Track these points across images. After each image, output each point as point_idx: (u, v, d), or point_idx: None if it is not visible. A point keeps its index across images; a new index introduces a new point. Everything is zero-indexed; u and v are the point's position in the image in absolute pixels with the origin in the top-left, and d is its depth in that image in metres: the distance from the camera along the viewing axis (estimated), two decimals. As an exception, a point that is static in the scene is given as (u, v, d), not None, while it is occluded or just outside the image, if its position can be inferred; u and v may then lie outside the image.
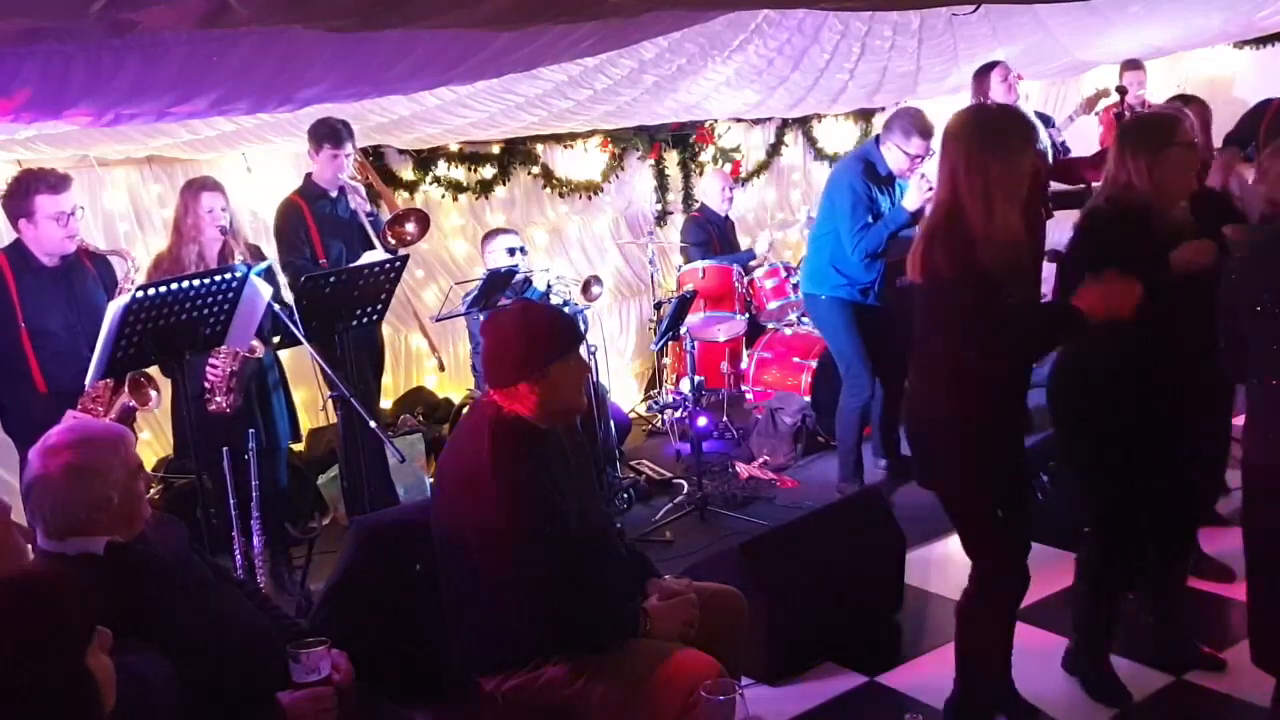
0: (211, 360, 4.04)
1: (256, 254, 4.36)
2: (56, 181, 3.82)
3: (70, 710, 1.64)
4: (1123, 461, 3.13)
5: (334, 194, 4.71)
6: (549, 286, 5.51)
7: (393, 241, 4.73)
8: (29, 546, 2.32)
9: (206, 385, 4.06)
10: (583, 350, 3.05)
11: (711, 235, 6.88)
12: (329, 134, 4.60)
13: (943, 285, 2.74)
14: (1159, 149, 3.02)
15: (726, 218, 7.07)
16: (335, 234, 4.69)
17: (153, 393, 3.82)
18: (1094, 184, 6.17)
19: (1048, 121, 5.89)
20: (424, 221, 4.92)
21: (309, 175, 4.79)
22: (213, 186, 4.28)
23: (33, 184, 3.80)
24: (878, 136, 4.98)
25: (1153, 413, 3.09)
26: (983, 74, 5.52)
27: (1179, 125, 3.09)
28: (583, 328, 5.22)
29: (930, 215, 2.87)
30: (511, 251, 5.41)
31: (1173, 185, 3.04)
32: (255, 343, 4.02)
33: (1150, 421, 3.09)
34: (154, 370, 3.79)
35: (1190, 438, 3.26)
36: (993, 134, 2.77)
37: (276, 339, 4.26)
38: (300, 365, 4.99)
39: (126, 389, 3.73)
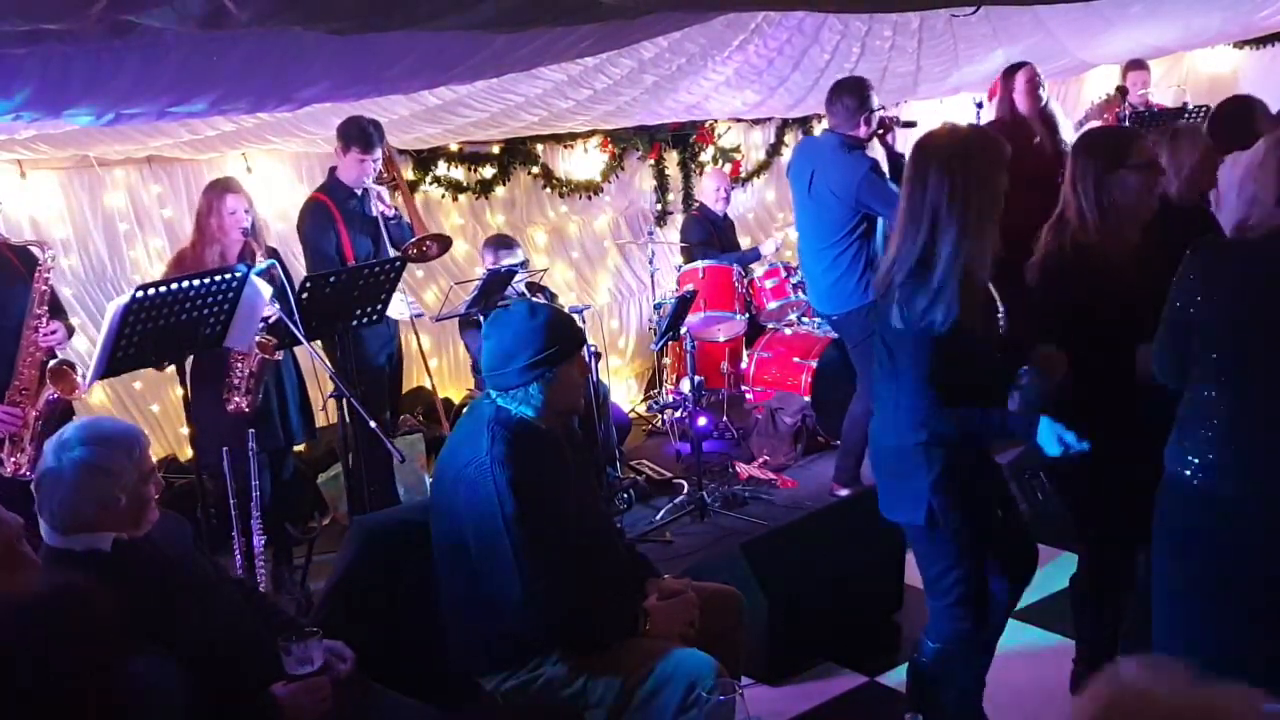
0: (233, 362, 4.07)
1: (272, 254, 4.37)
2: None
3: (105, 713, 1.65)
4: (1117, 487, 3.04)
5: (359, 192, 4.66)
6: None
7: (413, 253, 4.70)
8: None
9: (228, 383, 4.08)
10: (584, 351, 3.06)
11: (713, 234, 6.87)
12: (359, 137, 4.52)
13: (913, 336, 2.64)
14: (1110, 170, 2.88)
15: (725, 216, 7.04)
16: (364, 231, 4.64)
17: (79, 379, 3.78)
18: None
19: None
20: (447, 244, 4.93)
21: (333, 172, 4.71)
22: (236, 188, 4.30)
23: None
24: (840, 135, 4.81)
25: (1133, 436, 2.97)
26: (1008, 75, 5.48)
27: (1134, 143, 2.95)
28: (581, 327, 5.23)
29: (901, 250, 2.70)
30: (515, 265, 5.37)
31: (1126, 211, 2.88)
32: (275, 341, 4.02)
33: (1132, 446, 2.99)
34: (169, 369, 3.77)
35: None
36: (971, 159, 2.64)
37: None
38: (303, 364, 5.00)
39: (49, 379, 3.71)
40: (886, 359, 2.75)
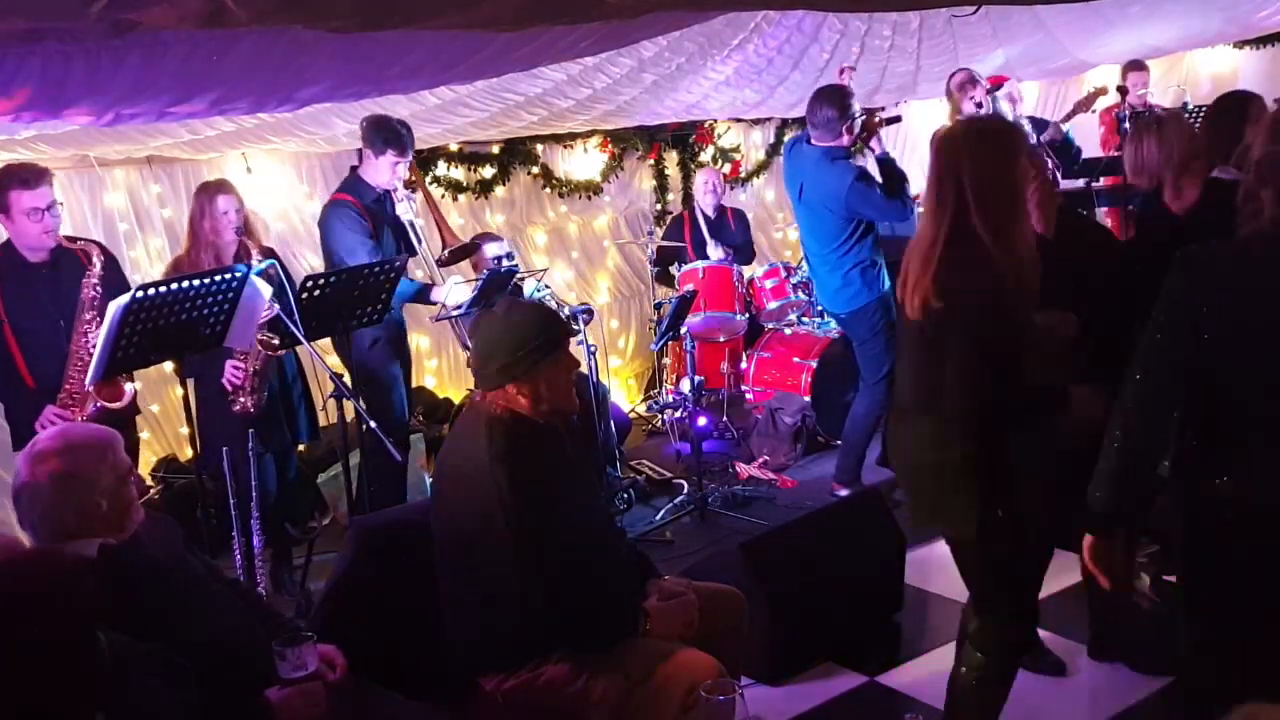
0: (234, 361, 4.05)
1: (270, 255, 4.36)
2: (30, 176, 3.76)
3: (77, 674, 1.66)
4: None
5: (380, 194, 4.60)
6: (536, 293, 5.42)
7: (446, 257, 4.66)
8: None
9: (230, 386, 4.07)
10: (577, 349, 3.05)
11: (689, 237, 6.81)
12: (394, 140, 4.43)
13: (959, 311, 2.59)
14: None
15: (717, 215, 6.96)
16: (391, 232, 4.58)
17: (128, 387, 3.79)
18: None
19: (1041, 125, 5.91)
20: (473, 251, 4.91)
21: (355, 171, 4.64)
22: (228, 189, 4.27)
23: (7, 180, 3.75)
24: (821, 149, 4.79)
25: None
26: (949, 80, 5.53)
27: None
28: (582, 326, 5.21)
29: (929, 238, 2.67)
30: (498, 259, 5.32)
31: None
32: (277, 340, 3.99)
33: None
34: (168, 369, 3.76)
35: None
36: (990, 143, 2.66)
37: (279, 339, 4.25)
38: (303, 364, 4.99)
39: (93, 389, 3.71)
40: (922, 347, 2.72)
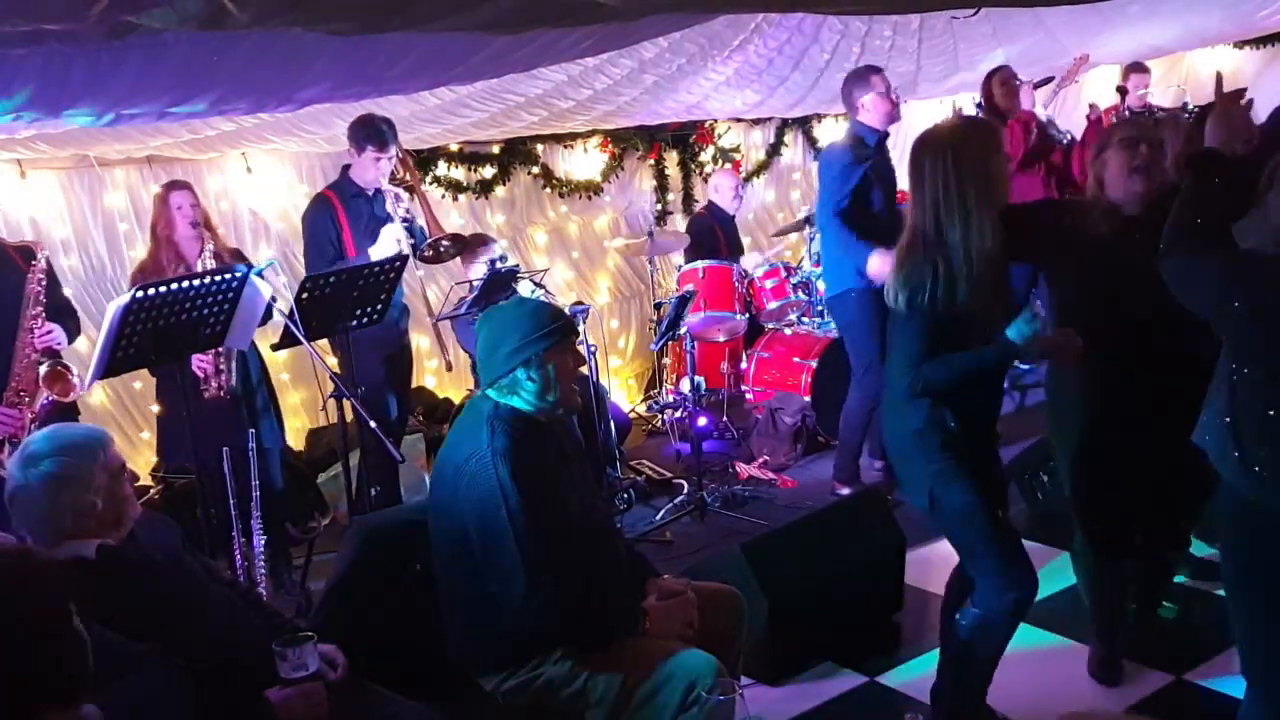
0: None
1: (236, 256, 4.35)
2: None
3: (58, 663, 1.66)
4: (1106, 454, 3.18)
5: (371, 193, 4.60)
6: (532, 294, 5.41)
7: (429, 254, 4.67)
8: None
9: (200, 373, 4.05)
10: (580, 347, 3.07)
11: (719, 234, 6.86)
12: (373, 136, 4.46)
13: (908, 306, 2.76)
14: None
15: (734, 217, 7.04)
16: (370, 234, 4.56)
17: (75, 380, 3.78)
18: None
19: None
20: (463, 243, 4.91)
21: (346, 170, 4.66)
22: (181, 186, 4.31)
23: None
24: (853, 123, 4.86)
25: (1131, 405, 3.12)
26: (988, 79, 5.58)
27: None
28: (581, 326, 5.22)
29: (909, 240, 2.81)
30: (492, 263, 5.31)
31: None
32: None
33: (1131, 412, 3.12)
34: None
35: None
36: (964, 146, 2.75)
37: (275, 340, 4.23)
38: (303, 365, 4.98)
39: (43, 382, 3.70)
40: (893, 342, 2.88)
